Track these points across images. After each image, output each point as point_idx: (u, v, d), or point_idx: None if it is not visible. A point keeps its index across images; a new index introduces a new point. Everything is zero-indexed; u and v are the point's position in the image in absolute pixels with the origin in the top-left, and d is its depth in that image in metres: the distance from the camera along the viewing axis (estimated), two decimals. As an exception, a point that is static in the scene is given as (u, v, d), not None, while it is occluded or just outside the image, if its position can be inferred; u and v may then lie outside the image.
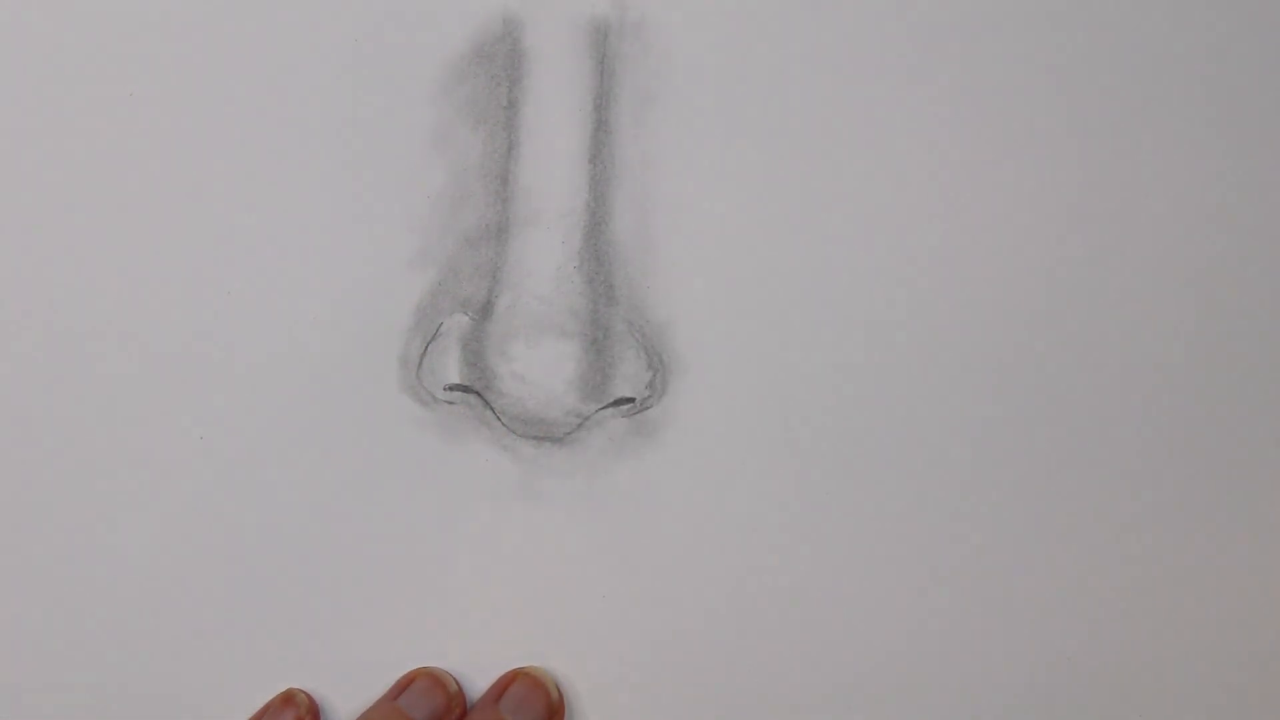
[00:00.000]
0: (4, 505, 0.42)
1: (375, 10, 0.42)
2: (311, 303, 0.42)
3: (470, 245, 0.43)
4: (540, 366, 0.42)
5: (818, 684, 0.43)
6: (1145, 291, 0.43)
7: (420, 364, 0.43)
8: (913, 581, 0.43)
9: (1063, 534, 0.43)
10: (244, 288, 0.42)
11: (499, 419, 0.43)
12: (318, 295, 0.42)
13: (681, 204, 0.43)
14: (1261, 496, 0.43)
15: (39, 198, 0.42)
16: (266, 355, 0.42)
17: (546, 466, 0.43)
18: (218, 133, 0.42)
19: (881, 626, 0.43)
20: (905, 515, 0.43)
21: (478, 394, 0.43)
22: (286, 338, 0.42)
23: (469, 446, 0.43)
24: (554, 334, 0.42)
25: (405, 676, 0.41)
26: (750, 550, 0.43)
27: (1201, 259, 0.43)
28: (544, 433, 0.43)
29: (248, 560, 0.42)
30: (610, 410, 0.43)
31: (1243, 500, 0.43)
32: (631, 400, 0.43)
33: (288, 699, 0.41)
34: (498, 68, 0.43)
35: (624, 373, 0.43)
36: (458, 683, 0.42)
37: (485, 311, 0.43)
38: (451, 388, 0.43)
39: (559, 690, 0.42)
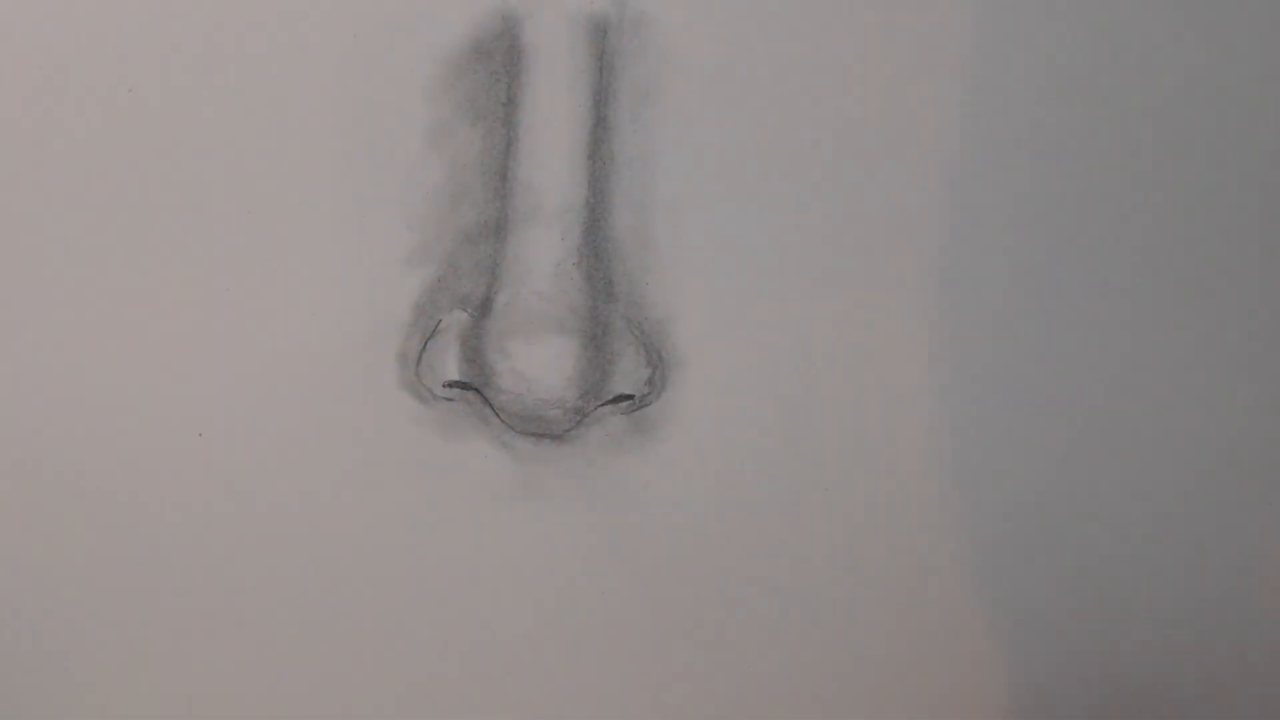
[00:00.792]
0: (4, 505, 0.42)
1: (374, 7, 0.42)
2: (310, 299, 0.42)
3: (469, 242, 0.43)
4: (539, 363, 0.42)
5: (816, 679, 0.43)
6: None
7: (419, 361, 0.43)
8: (911, 579, 0.43)
9: (1059, 537, 0.43)
10: (242, 284, 0.42)
11: (498, 415, 0.43)
12: (316, 292, 0.42)
13: (680, 200, 0.43)
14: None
15: (38, 195, 0.42)
16: (265, 352, 0.42)
17: (545, 463, 0.43)
18: (216, 129, 0.42)
19: (880, 624, 0.43)
20: (903, 511, 0.43)
21: (477, 390, 0.43)
22: (285, 334, 0.42)
23: (468, 443, 0.43)
24: (553, 330, 0.42)
25: None
26: (748, 545, 0.43)
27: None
28: (543, 429, 0.43)
29: (246, 556, 0.42)
30: (609, 407, 0.43)
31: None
32: (631, 397, 0.43)
33: None
34: (497, 64, 0.43)
35: (623, 369, 0.43)
36: None
37: (484, 308, 0.43)
38: (450, 384, 0.43)
39: None
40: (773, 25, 0.43)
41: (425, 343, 0.43)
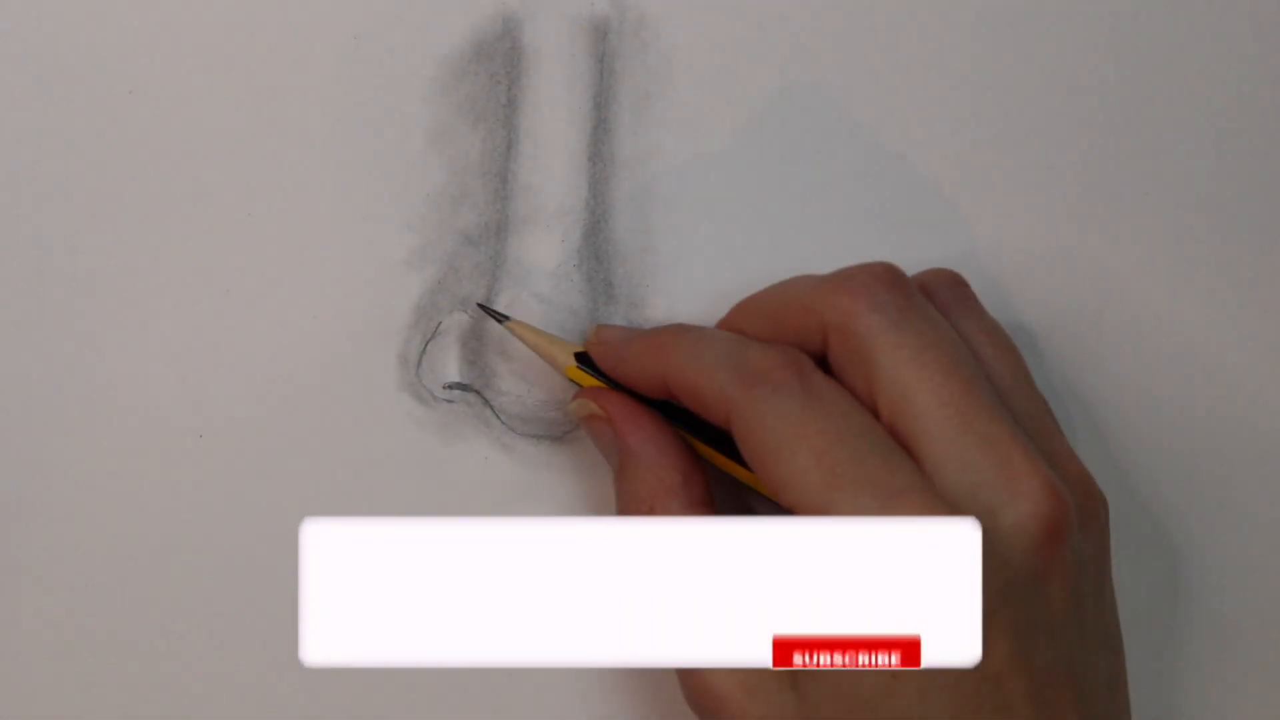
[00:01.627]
0: (4, 505, 0.42)
1: (375, 8, 0.42)
2: (310, 300, 0.42)
3: (470, 243, 0.43)
4: (540, 365, 0.42)
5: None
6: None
7: (420, 362, 0.43)
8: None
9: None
10: (242, 286, 0.42)
11: (498, 417, 0.43)
12: (317, 293, 0.42)
13: (681, 202, 0.43)
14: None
15: (38, 196, 0.42)
16: (265, 353, 0.42)
17: (546, 465, 0.43)
18: (217, 130, 0.42)
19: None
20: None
21: (477, 392, 0.43)
22: (285, 336, 0.42)
23: (468, 445, 0.43)
24: (553, 332, 0.42)
25: None
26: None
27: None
28: (544, 431, 0.43)
29: (246, 558, 0.42)
30: (610, 408, 0.43)
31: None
32: (631, 398, 0.43)
33: None
34: (497, 66, 0.43)
35: (623, 371, 0.43)
36: None
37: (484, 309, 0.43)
38: (451, 386, 0.43)
39: None
40: (773, 27, 0.43)
41: (426, 344, 0.43)
